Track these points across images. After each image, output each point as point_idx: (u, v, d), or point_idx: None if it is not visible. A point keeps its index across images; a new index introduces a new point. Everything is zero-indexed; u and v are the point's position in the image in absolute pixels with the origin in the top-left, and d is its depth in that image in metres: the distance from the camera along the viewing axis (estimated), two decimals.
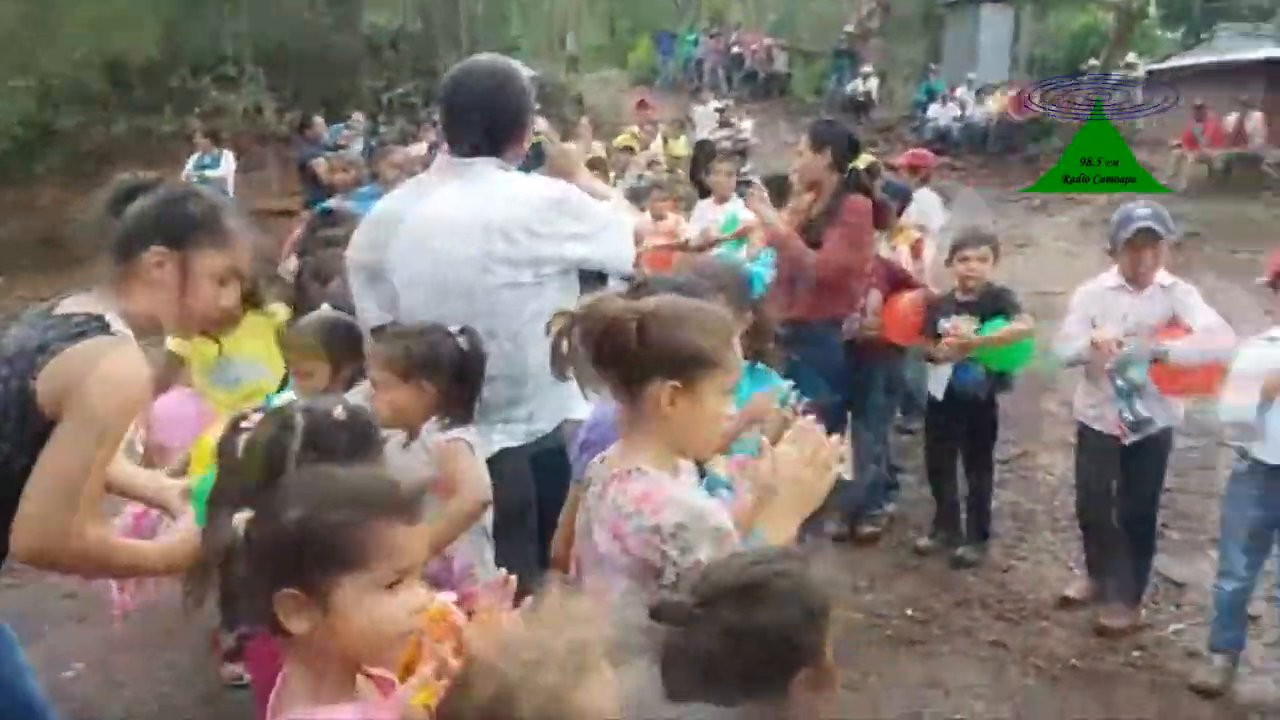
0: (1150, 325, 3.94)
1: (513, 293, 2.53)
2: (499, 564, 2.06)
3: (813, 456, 1.81)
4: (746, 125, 15.97)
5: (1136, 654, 3.92)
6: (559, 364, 1.77)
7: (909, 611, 4.25)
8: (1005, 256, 5.16)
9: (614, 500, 1.75)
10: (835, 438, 1.87)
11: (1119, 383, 3.91)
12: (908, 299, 4.70)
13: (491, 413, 2.56)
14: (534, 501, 2.60)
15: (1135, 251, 3.93)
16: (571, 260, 2.60)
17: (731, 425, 2.32)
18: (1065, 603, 4.27)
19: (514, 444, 2.62)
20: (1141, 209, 3.99)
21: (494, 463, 2.50)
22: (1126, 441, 3.97)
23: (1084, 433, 4.22)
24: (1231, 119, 15.93)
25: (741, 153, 11.34)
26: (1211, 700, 3.59)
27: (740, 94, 21.57)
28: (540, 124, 2.92)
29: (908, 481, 5.44)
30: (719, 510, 1.77)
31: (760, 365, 2.90)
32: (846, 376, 4.46)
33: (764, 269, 4.76)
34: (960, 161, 18.51)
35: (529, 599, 1.37)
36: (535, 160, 2.89)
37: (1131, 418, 3.92)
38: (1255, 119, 15.96)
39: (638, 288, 2.11)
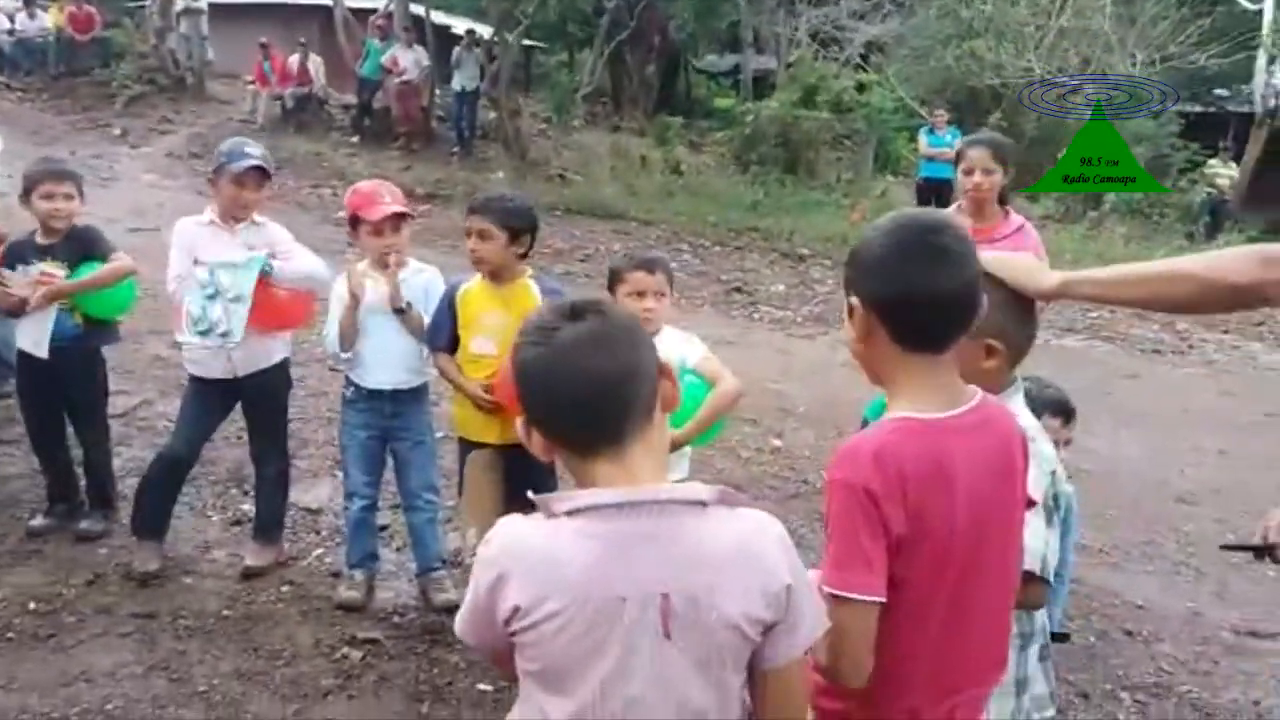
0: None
1: None
2: None
3: None
4: None
5: (286, 589, 3.97)
6: None
7: (32, 605, 3.70)
8: (91, 190, 4.68)
9: None
10: None
11: (205, 278, 3.74)
12: None
13: None
14: None
15: (238, 188, 3.86)
16: None
17: None
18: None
19: None
20: (252, 146, 3.94)
21: None
22: (183, 339, 3.82)
23: (194, 380, 4.04)
24: (295, 59, 16.87)
25: None
26: (357, 613, 3.82)
27: None
28: None
29: (12, 455, 4.69)
30: None
31: None
32: None
33: None
34: (18, 82, 16.53)
35: None
36: None
37: (206, 319, 3.77)
38: (316, 60, 17.17)
39: None
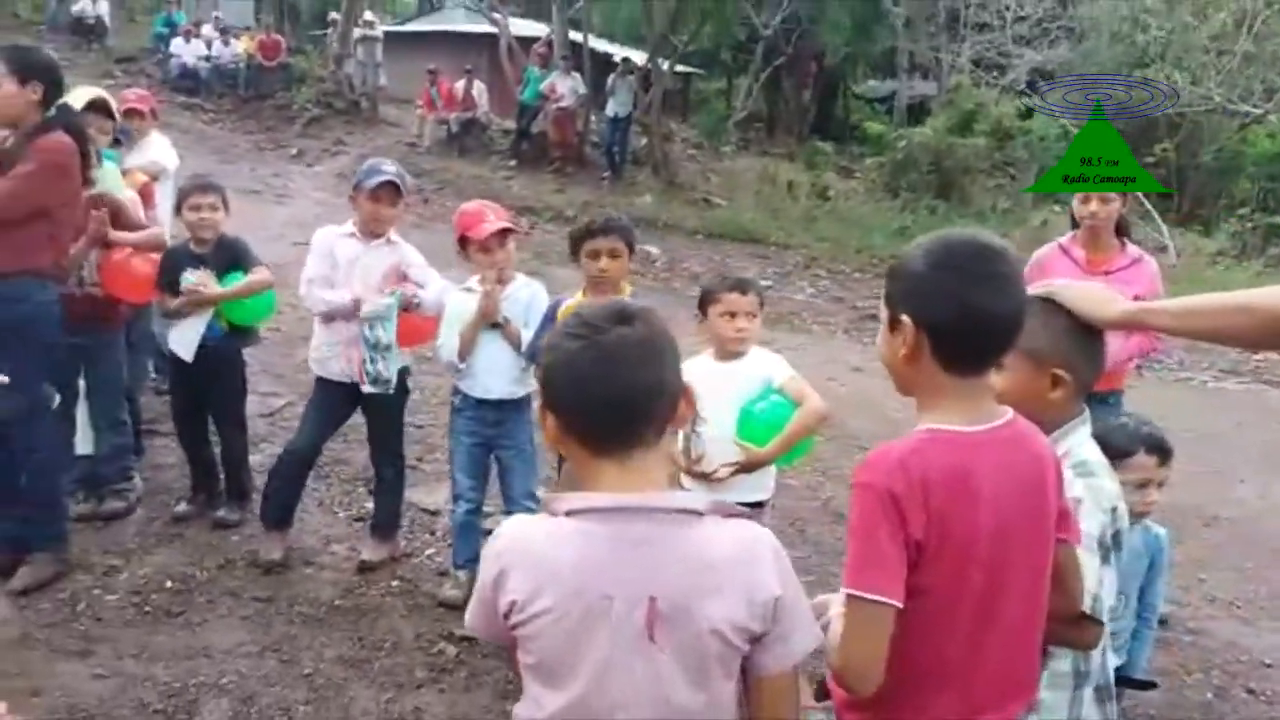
0: (378, 275, 4.16)
1: None
2: None
3: None
4: None
5: (396, 583, 4.20)
6: None
7: (168, 583, 4.03)
8: (266, 206, 5.06)
9: None
10: None
11: (367, 334, 4.08)
12: (133, 251, 4.31)
13: None
14: None
15: (374, 203, 4.13)
16: None
17: None
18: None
19: None
20: (388, 165, 4.21)
21: None
22: (365, 390, 4.14)
23: (318, 380, 4.33)
24: (460, 85, 17.64)
25: None
26: (458, 611, 3.98)
27: None
28: None
29: (169, 445, 5.11)
30: None
31: None
32: (64, 336, 3.98)
33: None
34: (211, 104, 17.87)
35: None
36: None
37: (373, 372, 4.12)
38: (480, 86, 17.90)
39: None
